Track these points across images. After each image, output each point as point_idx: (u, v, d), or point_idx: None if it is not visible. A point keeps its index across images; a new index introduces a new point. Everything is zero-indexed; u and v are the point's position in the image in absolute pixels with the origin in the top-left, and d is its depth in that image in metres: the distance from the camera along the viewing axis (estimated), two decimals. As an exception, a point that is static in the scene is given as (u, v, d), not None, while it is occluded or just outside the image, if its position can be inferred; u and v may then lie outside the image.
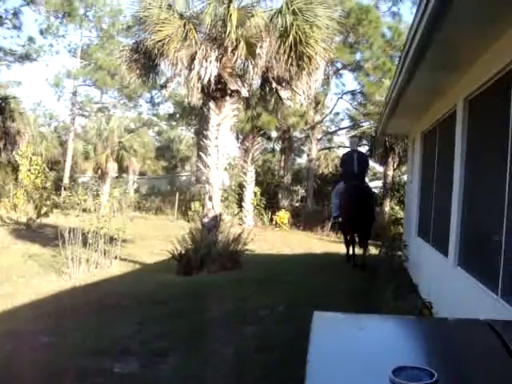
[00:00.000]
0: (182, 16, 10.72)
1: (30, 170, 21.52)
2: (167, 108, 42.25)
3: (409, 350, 1.57)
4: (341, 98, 27.88)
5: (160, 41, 10.24)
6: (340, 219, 11.74)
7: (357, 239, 11.44)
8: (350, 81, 61.59)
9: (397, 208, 23.95)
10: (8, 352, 5.44)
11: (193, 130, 33.92)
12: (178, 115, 31.95)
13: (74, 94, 38.11)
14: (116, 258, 11.83)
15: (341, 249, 15.78)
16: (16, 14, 33.61)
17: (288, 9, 10.34)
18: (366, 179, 13.47)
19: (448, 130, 7.16)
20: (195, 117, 26.87)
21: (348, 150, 12.98)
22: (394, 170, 25.29)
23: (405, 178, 22.48)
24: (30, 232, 17.61)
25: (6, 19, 33.68)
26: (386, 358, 1.40)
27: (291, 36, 10.25)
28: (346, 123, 31.15)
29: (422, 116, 9.82)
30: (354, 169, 11.32)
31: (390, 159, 24.20)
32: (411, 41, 5.39)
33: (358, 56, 24.17)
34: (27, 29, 68.73)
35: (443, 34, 4.61)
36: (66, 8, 34.25)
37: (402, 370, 1.26)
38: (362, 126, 27.47)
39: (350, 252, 11.52)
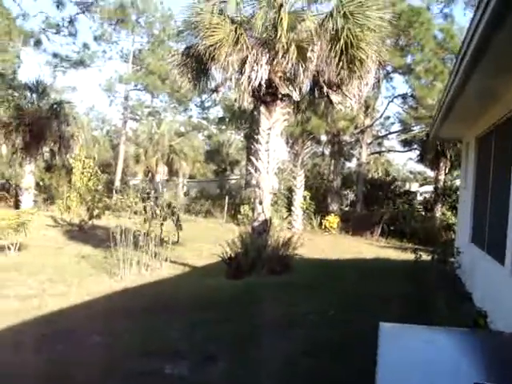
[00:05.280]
0: (233, 21, 10.78)
1: (83, 173, 22.02)
2: (217, 112, 42.69)
3: (480, 364, 1.50)
4: (391, 101, 27.52)
5: (211, 45, 10.31)
6: None
7: None
8: (400, 84, 60.71)
9: (448, 213, 23.48)
10: (62, 350, 5.58)
11: (242, 134, 34.07)
12: (227, 119, 32.15)
13: (126, 98, 38.95)
14: (166, 260, 11.97)
15: (391, 254, 15.60)
16: (72, 21, 34.73)
17: (339, 12, 10.28)
18: None
19: (505, 134, 6.96)
20: (245, 121, 26.98)
21: None
22: (446, 174, 24.83)
23: (457, 182, 22.05)
24: (82, 233, 18.02)
25: (63, 27, 34.80)
26: (457, 373, 1.34)
27: (342, 39, 10.16)
28: (397, 127, 30.78)
29: (476, 120, 9.58)
30: None
31: (441, 164, 23.79)
32: (469, 42, 5.24)
33: (408, 59, 23.79)
34: (82, 36, 70.69)
35: (504, 33, 4.47)
36: (119, 15, 35.10)
37: (478, 387, 1.21)
38: (413, 130, 27.06)
39: None
